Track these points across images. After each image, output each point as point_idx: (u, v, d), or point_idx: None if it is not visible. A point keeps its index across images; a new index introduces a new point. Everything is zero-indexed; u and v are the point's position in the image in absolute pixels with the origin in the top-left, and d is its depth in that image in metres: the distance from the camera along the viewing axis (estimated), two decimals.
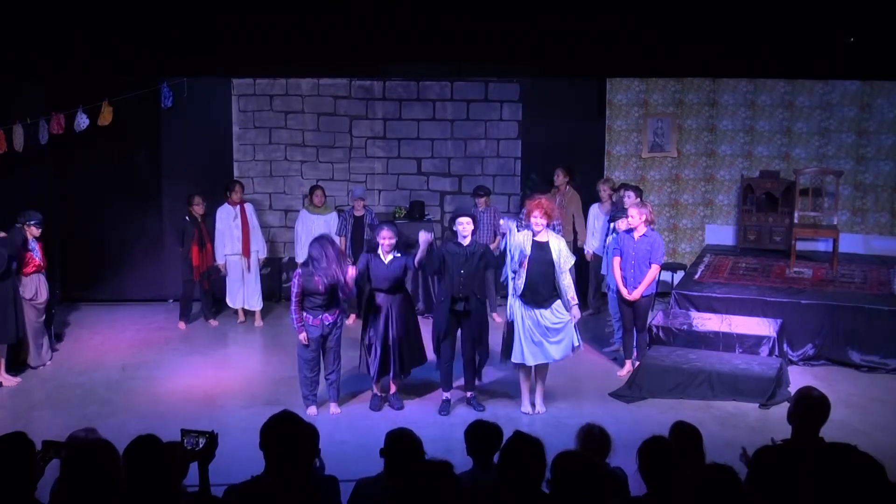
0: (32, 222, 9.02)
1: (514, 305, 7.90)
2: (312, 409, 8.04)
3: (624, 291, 8.76)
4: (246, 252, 10.57)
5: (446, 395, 8.32)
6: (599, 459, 4.55)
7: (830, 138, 11.39)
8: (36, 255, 9.10)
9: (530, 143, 11.65)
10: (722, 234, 11.78)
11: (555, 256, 7.77)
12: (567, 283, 7.82)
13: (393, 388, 8.44)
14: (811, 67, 11.01)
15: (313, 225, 10.66)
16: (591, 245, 10.84)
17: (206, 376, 9.21)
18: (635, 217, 8.68)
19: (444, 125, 11.66)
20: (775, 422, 7.39)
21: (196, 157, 11.32)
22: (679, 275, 10.78)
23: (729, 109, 11.59)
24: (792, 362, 9.13)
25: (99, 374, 9.11)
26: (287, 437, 3.99)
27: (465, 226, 8.05)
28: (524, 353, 7.93)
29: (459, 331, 8.20)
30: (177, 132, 11.28)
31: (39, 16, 9.80)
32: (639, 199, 9.51)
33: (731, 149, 11.65)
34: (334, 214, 10.83)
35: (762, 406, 8.20)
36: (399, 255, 8.16)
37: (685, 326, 9.20)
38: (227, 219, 10.54)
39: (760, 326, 9.07)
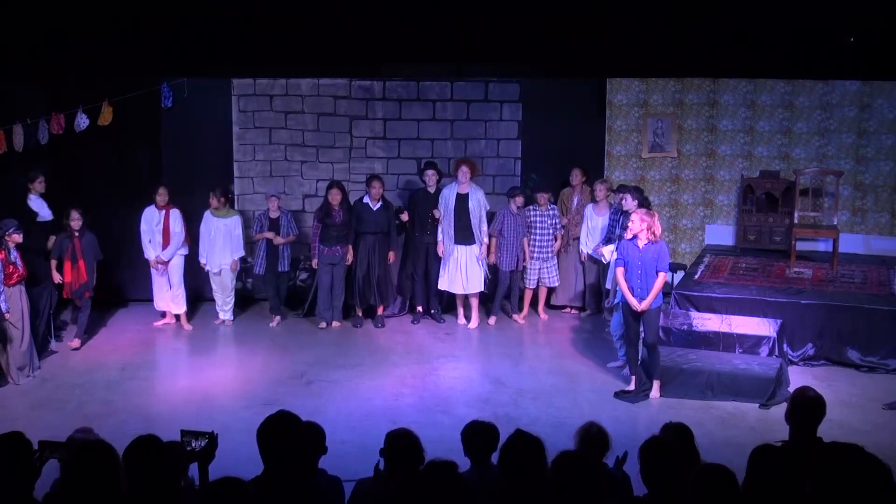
0: (11, 230, 8.66)
1: (448, 245, 10.53)
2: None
3: (633, 302, 8.23)
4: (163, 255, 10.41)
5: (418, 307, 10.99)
6: (598, 459, 4.55)
7: (830, 138, 11.39)
8: (18, 264, 8.76)
9: (530, 143, 11.64)
10: (722, 234, 11.77)
11: (472, 205, 10.40)
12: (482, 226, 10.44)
13: (380, 310, 10.81)
14: (811, 67, 11.03)
15: (213, 227, 10.53)
16: (587, 246, 10.81)
17: (206, 376, 9.20)
18: (636, 223, 8.20)
19: (444, 125, 11.65)
20: (775, 422, 7.39)
21: (196, 157, 11.31)
22: (679, 275, 10.76)
23: (729, 109, 11.59)
24: (792, 362, 9.13)
25: (99, 374, 9.11)
26: (284, 437, 3.98)
27: (430, 177, 10.62)
28: (449, 282, 10.64)
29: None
30: (177, 132, 11.27)
31: (39, 16, 9.81)
32: (636, 202, 9.32)
33: (731, 149, 11.64)
34: (237, 218, 10.68)
35: (762, 406, 8.20)
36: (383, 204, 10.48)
37: (685, 326, 9.19)
38: (149, 221, 10.37)
39: (760, 326, 9.06)
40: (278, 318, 10.81)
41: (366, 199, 10.49)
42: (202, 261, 10.62)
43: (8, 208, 9.76)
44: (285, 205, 11.25)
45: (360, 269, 10.56)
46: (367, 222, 10.46)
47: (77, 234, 9.63)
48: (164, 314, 10.74)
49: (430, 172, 10.67)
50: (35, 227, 9.79)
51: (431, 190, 10.63)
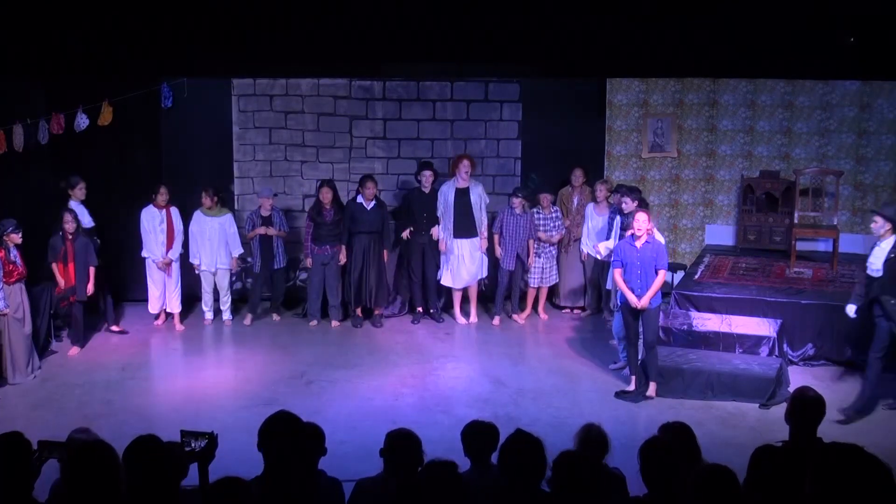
0: (10, 229, 8.64)
1: (448, 240, 10.63)
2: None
3: (632, 299, 8.26)
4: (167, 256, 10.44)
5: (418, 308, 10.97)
6: (598, 459, 4.55)
7: (830, 138, 11.38)
8: (18, 263, 8.75)
9: (530, 143, 11.65)
10: (722, 234, 11.77)
11: (473, 199, 10.59)
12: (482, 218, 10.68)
13: (377, 311, 10.75)
14: (811, 67, 11.01)
15: (207, 226, 10.54)
16: (588, 246, 10.82)
17: (206, 376, 9.21)
18: (643, 222, 8.20)
19: (444, 125, 11.65)
20: (775, 422, 7.39)
21: (196, 157, 11.30)
22: (679, 275, 10.77)
23: (729, 109, 11.58)
24: (792, 362, 9.13)
25: (99, 374, 9.11)
26: (284, 437, 3.98)
27: (427, 177, 10.66)
28: (452, 277, 10.67)
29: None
30: (177, 132, 11.27)
31: (39, 16, 9.80)
32: (636, 203, 9.34)
33: (731, 149, 11.64)
34: (230, 216, 10.73)
35: (762, 406, 8.20)
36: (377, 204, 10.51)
37: (685, 326, 9.19)
38: (151, 221, 10.37)
39: (760, 326, 9.06)
40: (250, 316, 10.83)
41: (359, 199, 10.52)
42: (194, 262, 10.60)
43: (49, 215, 9.77)
44: (285, 204, 11.26)
45: (355, 268, 10.57)
46: (361, 222, 10.47)
47: (70, 236, 9.52)
48: (157, 315, 10.71)
49: (427, 173, 10.69)
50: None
51: (426, 190, 10.69)
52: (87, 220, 10.05)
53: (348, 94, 11.55)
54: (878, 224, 7.98)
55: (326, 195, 10.48)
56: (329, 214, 10.48)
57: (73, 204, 9.94)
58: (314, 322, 10.71)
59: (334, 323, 10.71)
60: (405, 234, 10.72)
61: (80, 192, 10.07)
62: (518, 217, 10.54)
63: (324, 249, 10.54)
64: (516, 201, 10.56)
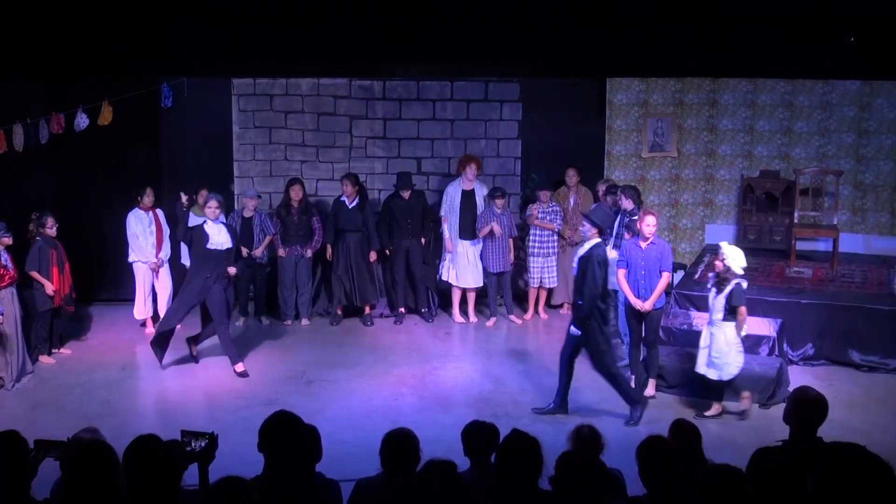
0: (0, 232, 8.56)
1: (455, 240, 10.70)
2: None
3: (636, 303, 8.29)
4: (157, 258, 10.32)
5: (400, 308, 10.98)
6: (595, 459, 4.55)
7: (830, 138, 11.39)
8: (9, 267, 8.65)
9: (530, 143, 11.65)
10: (722, 233, 11.75)
11: (478, 201, 10.67)
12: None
13: (367, 310, 10.80)
14: (811, 67, 11.01)
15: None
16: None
17: (206, 376, 9.20)
18: (651, 225, 8.22)
19: (444, 125, 11.66)
20: (775, 422, 7.37)
21: (196, 157, 11.31)
22: (679, 275, 10.76)
23: (729, 109, 11.59)
24: (792, 362, 9.13)
25: (99, 374, 9.11)
26: (284, 437, 3.98)
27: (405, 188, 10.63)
28: (458, 276, 10.73)
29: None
30: (177, 132, 11.28)
31: (39, 16, 9.79)
32: (631, 200, 9.41)
33: (731, 149, 11.65)
34: (221, 215, 10.71)
35: (762, 406, 8.20)
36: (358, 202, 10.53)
37: (685, 326, 9.19)
38: (140, 223, 10.18)
39: (760, 326, 9.06)
40: (243, 319, 10.85)
41: (343, 198, 10.64)
42: (186, 263, 10.55)
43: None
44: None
45: (339, 267, 10.67)
46: (344, 220, 10.60)
47: (55, 239, 9.40)
48: (143, 322, 10.52)
49: (405, 185, 10.73)
50: (210, 255, 8.99)
51: (406, 196, 10.73)
52: (220, 241, 9.06)
53: (348, 94, 11.55)
54: (586, 228, 7.95)
55: (297, 193, 10.56)
56: (297, 213, 10.53)
57: (207, 221, 9.09)
58: (289, 322, 10.77)
59: (304, 321, 10.83)
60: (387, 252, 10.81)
61: (209, 211, 9.07)
62: (499, 216, 10.56)
63: (294, 249, 10.64)
64: (499, 202, 10.57)
